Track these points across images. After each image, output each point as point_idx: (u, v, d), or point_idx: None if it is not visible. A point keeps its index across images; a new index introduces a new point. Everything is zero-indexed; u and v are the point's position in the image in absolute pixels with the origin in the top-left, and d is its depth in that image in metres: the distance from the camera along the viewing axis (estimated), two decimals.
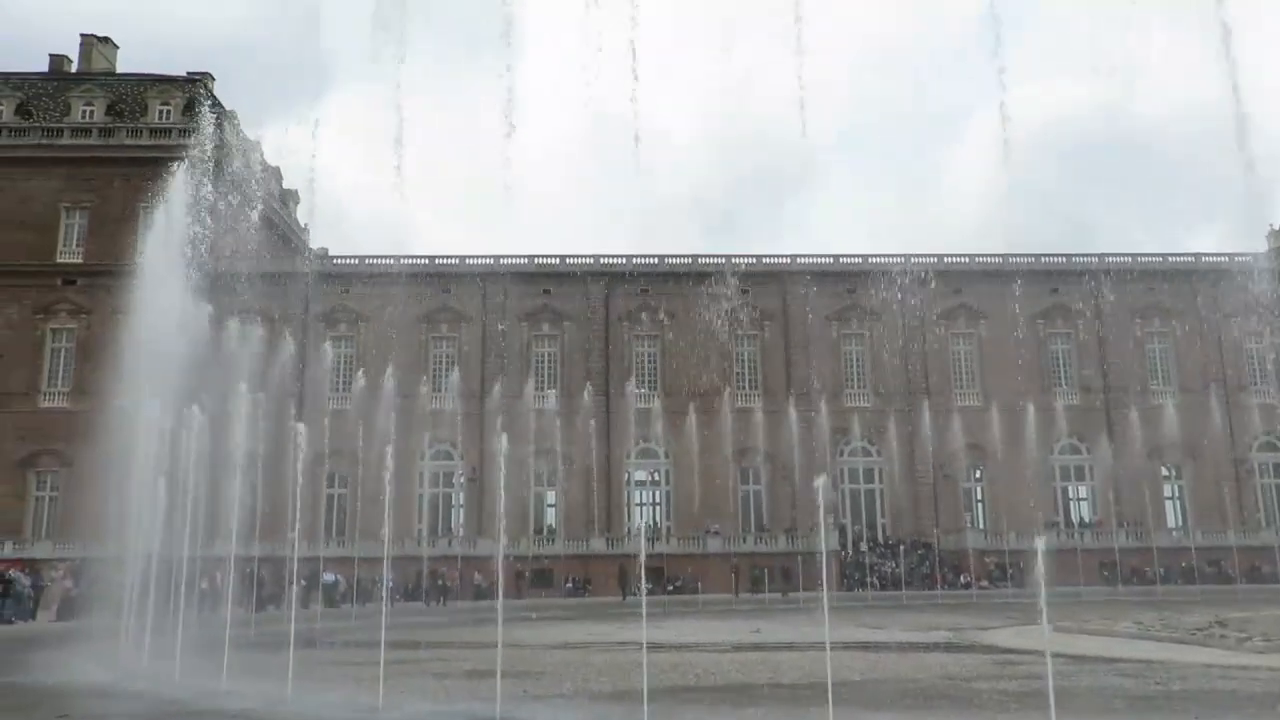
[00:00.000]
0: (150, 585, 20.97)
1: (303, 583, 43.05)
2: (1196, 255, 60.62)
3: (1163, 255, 60.13)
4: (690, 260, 58.91)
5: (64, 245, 56.47)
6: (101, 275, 51.20)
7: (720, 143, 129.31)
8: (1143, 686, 14.43)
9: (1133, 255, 59.81)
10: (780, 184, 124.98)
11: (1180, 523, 55.80)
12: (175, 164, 32.94)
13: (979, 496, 56.75)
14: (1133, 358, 57.54)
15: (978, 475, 56.35)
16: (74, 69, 62.95)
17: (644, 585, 18.83)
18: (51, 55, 63.17)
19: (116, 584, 21.71)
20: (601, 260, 58.05)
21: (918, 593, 46.12)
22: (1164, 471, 56.61)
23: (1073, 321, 58.14)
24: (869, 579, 49.27)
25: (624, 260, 57.82)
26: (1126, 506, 54.60)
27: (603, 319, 57.29)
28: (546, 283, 57.38)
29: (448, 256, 59.10)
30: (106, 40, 64.54)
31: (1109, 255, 59.76)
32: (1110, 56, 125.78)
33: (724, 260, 59.41)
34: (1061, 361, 57.96)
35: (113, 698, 13.61)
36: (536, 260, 57.87)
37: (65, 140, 57.44)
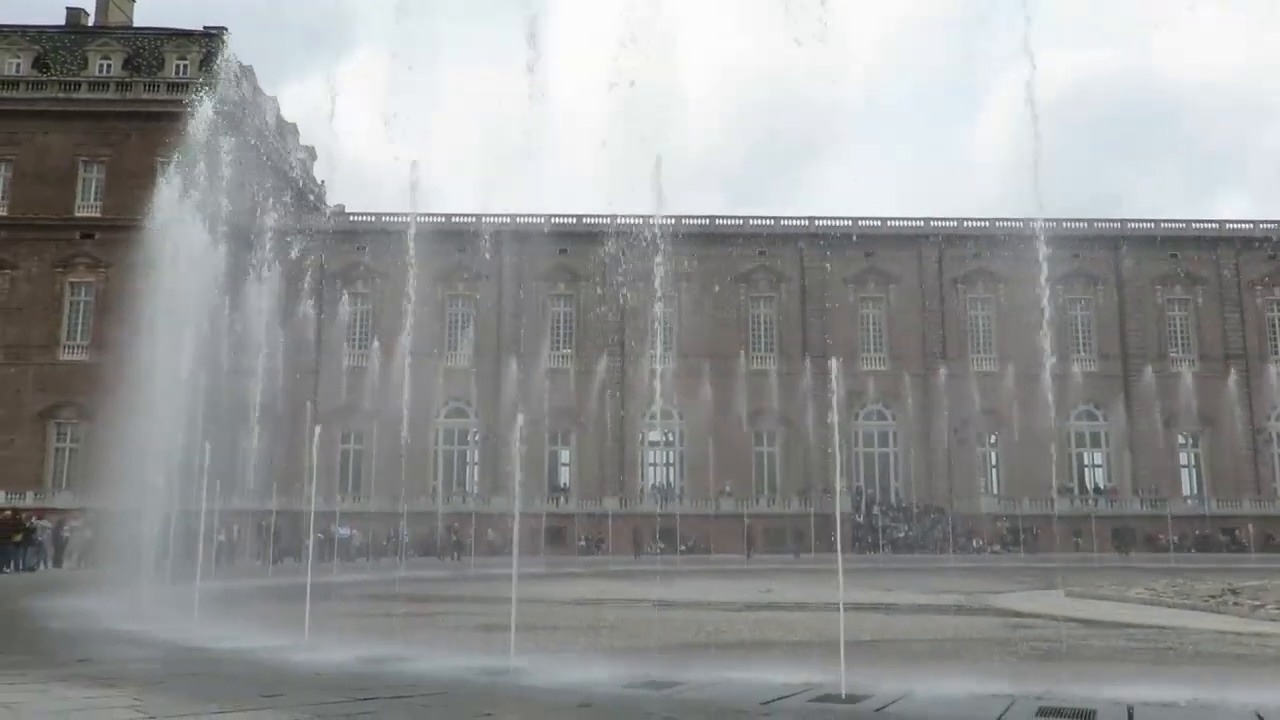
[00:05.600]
0: (169, 536, 21.22)
1: (319, 536, 43.55)
2: (1220, 222, 59.92)
3: (1186, 222, 59.44)
4: (707, 221, 58.58)
5: (82, 199, 56.64)
6: (119, 229, 51.20)
7: (742, 105, 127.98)
8: (1154, 650, 14.44)
9: (1155, 221, 59.18)
10: (803, 148, 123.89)
11: (1195, 491, 55.64)
12: (191, 119, 32.85)
13: (993, 462, 56.67)
14: (1152, 325, 57.15)
15: (993, 440, 56.24)
16: (91, 23, 62.72)
17: (657, 544, 18.90)
18: (68, 8, 62.91)
19: (135, 534, 21.95)
20: (617, 220, 57.69)
21: (930, 557, 46.23)
22: (1180, 440, 56.38)
23: (1093, 287, 57.68)
24: (881, 542, 49.39)
25: (640, 220, 57.46)
26: (1142, 474, 54.47)
27: (618, 279, 57.10)
28: (563, 242, 57.14)
29: (464, 215, 58.97)
30: None
31: (1131, 221, 59.16)
32: (1137, 21, 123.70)
33: (741, 221, 59.15)
34: (1080, 327, 57.54)
35: (132, 644, 13.78)
36: (553, 220, 57.57)
37: (82, 94, 57.35)
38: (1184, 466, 56.65)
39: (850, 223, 58.23)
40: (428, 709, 8.97)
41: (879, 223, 58.43)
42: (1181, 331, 57.65)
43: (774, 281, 57.74)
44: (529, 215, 57.35)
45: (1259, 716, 8.66)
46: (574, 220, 58.07)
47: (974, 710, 9.01)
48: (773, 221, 58.84)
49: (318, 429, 18.92)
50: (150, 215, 31.62)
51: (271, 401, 45.16)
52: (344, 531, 44.81)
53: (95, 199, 56.56)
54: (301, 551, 41.50)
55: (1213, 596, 21.01)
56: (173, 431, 21.55)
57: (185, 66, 58.20)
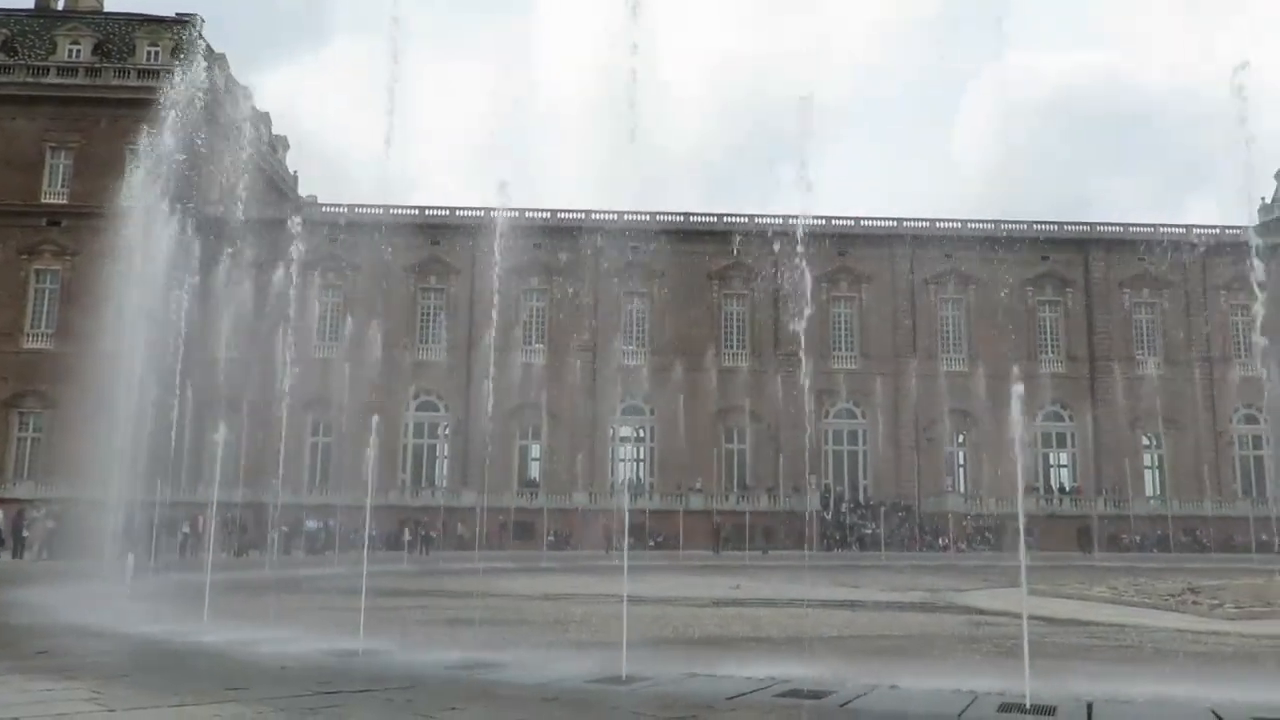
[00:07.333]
0: (132, 527, 21.01)
1: (285, 529, 43.29)
2: (1187, 227, 60.65)
3: (1153, 226, 60.16)
4: (682, 218, 58.62)
5: (49, 186, 55.82)
6: (87, 216, 50.61)
7: (722, 102, 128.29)
8: (1115, 647, 14.65)
9: (1124, 225, 59.95)
10: (780, 146, 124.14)
11: (1158, 492, 56.38)
12: (162, 106, 32.48)
13: (961, 461, 57.14)
14: (1119, 327, 57.84)
15: (960, 440, 56.70)
16: (60, 6, 61.81)
17: (626, 539, 18.92)
18: None
19: (98, 525, 21.72)
20: (593, 215, 57.65)
21: (897, 554, 46.54)
22: (1144, 441, 57.11)
23: (1062, 289, 58.29)
24: (849, 539, 49.70)
25: (615, 216, 57.37)
26: (1106, 474, 55.15)
27: (592, 274, 57.07)
28: (537, 237, 56.90)
29: (438, 208, 58.75)
30: None
31: (1100, 224, 59.86)
32: (1112, 26, 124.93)
33: (715, 219, 59.27)
34: (1048, 329, 58.15)
35: (93, 636, 13.65)
36: (527, 214, 57.31)
37: (51, 79, 56.49)
38: (1147, 467, 57.42)
39: (824, 222, 58.46)
40: (392, 703, 8.95)
41: (852, 222, 58.74)
42: (1148, 334, 58.36)
43: (747, 279, 57.88)
44: (504, 209, 57.05)
45: (1214, 713, 8.82)
46: (549, 215, 57.92)
47: (937, 706, 9.11)
48: (747, 219, 58.99)
49: (284, 420, 18.79)
50: (118, 203, 31.27)
51: (239, 393, 44.75)
52: (312, 524, 44.58)
53: (62, 185, 55.76)
54: (268, 544, 41.25)
55: (1173, 595, 21.31)
56: (137, 422, 21.33)
57: (157, 53, 57.47)
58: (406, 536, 43.03)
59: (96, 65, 56.95)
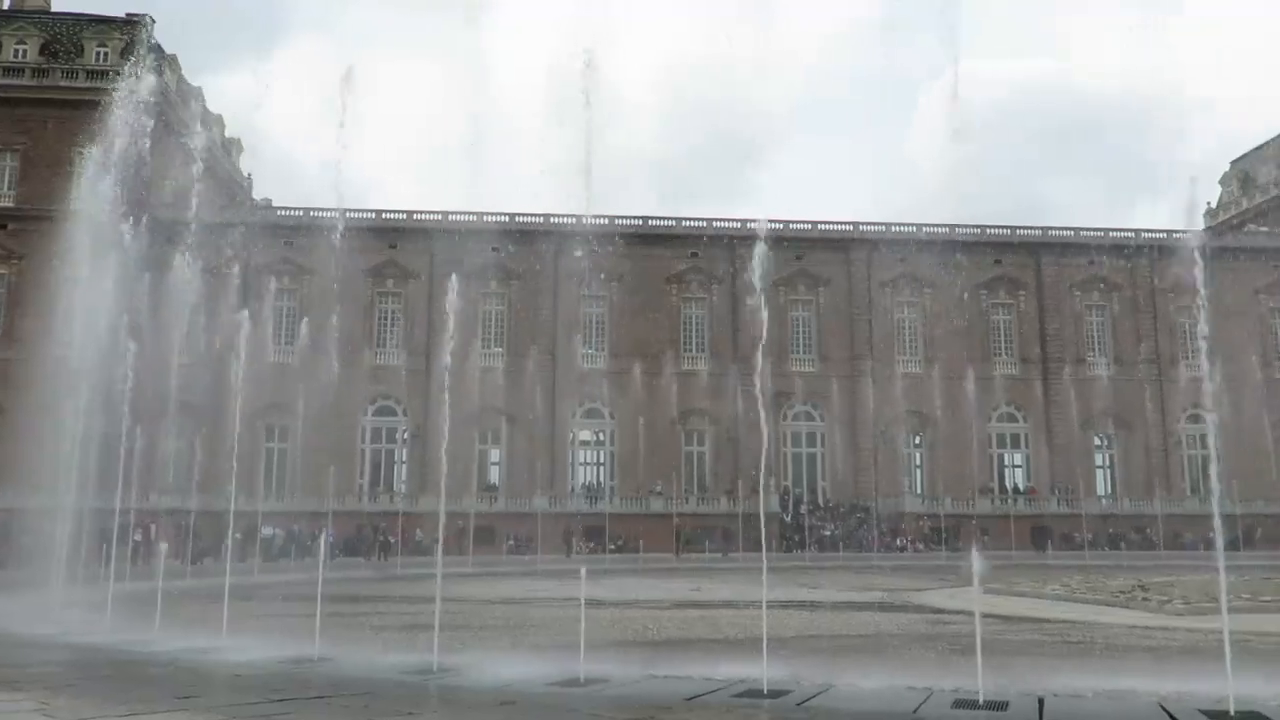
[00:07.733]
0: (82, 536, 20.63)
1: (239, 536, 42.60)
2: (1136, 231, 61.79)
3: (1104, 230, 61.23)
4: (640, 222, 58.68)
5: None
6: (34, 219, 49.64)
7: (679, 106, 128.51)
8: (1066, 643, 14.87)
9: (1074, 229, 60.96)
10: (739, 151, 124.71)
11: (1109, 491, 57.34)
12: (111, 107, 31.92)
13: (918, 462, 57.73)
14: (1071, 330, 58.79)
15: (917, 441, 57.29)
16: (6, 6, 60.51)
17: (585, 543, 18.91)
18: None
19: (47, 534, 21.27)
20: (551, 219, 57.59)
21: (855, 555, 46.90)
22: (1096, 441, 58.06)
23: (1014, 292, 59.12)
24: (808, 541, 49.98)
25: (574, 220, 57.38)
26: (1059, 474, 55.99)
27: (551, 278, 56.94)
28: (495, 240, 56.68)
29: (395, 211, 58.25)
30: None
31: (1051, 228, 60.82)
32: (1064, 32, 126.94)
33: (674, 223, 59.42)
34: (1002, 331, 58.94)
35: (40, 647, 13.38)
36: (485, 217, 57.11)
37: None
38: (1099, 467, 58.35)
39: (781, 225, 58.80)
40: (348, 709, 8.86)
41: (809, 226, 59.14)
42: (1098, 336, 59.37)
43: (705, 283, 58.07)
44: (462, 212, 56.83)
45: (1163, 706, 8.99)
46: (507, 218, 57.63)
47: (892, 703, 9.19)
48: (705, 223, 59.21)
49: (239, 426, 18.54)
50: (66, 205, 30.67)
51: (192, 398, 44.09)
52: (267, 531, 43.95)
53: (9, 188, 54.56)
54: (222, 551, 40.57)
55: (1123, 592, 21.72)
56: (87, 428, 20.93)
57: (106, 54, 56.42)
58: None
59: (43, 66, 55.81)
